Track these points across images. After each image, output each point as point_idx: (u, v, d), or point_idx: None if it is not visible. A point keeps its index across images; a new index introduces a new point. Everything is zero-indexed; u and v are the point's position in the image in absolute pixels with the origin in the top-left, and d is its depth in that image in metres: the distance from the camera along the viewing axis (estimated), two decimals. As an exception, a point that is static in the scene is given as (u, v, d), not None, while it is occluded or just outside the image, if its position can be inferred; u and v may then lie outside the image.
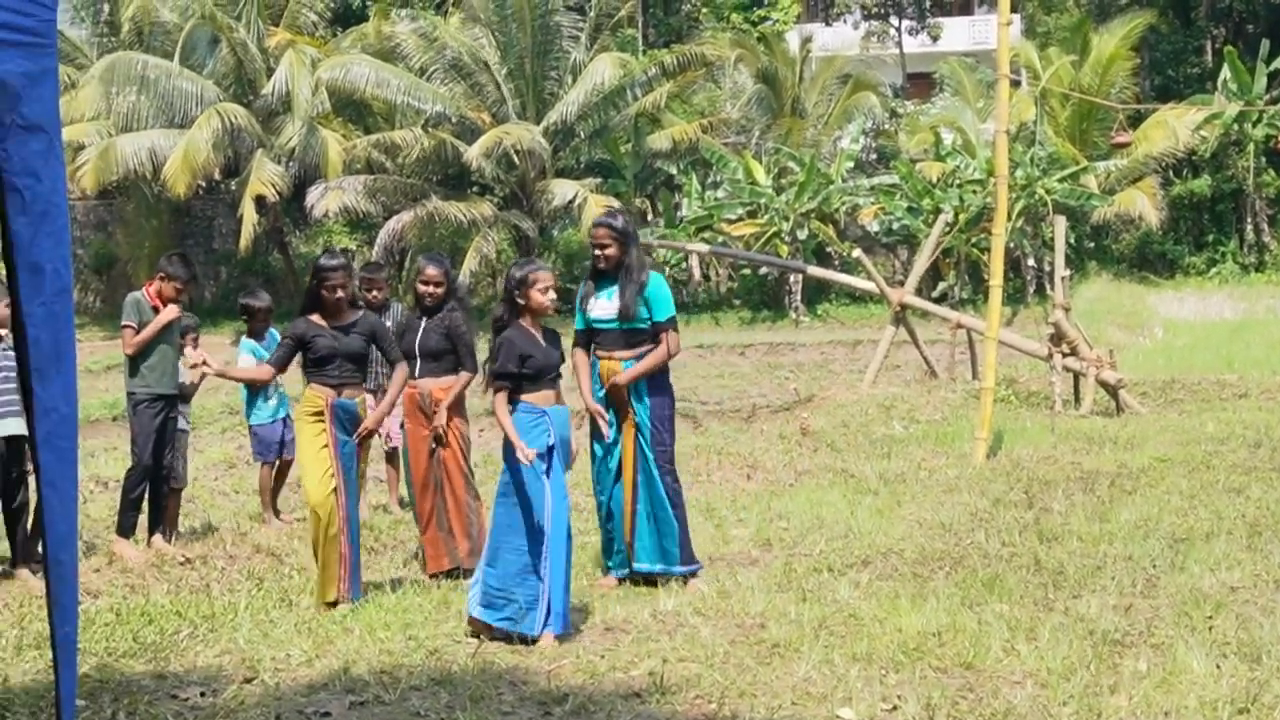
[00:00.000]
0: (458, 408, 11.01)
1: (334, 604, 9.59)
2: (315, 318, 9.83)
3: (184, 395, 12.73)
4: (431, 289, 11.06)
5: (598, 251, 10.07)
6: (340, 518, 9.61)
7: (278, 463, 13.71)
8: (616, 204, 39.95)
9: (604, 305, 9.97)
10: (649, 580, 10.00)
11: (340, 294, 9.73)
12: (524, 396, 8.75)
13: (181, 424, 12.89)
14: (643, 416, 9.89)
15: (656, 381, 9.95)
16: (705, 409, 23.14)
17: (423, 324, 11.05)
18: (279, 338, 13.83)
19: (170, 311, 11.81)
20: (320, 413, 9.65)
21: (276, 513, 13.70)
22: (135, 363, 11.82)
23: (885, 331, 23.33)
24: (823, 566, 10.30)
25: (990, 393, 16.29)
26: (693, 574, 10.01)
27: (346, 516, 9.64)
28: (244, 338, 13.77)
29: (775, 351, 35.35)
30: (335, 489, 9.59)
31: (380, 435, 13.99)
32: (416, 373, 10.95)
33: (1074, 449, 15.89)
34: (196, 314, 14.02)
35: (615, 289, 9.95)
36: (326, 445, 9.64)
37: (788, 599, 9.24)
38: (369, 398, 13.92)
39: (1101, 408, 19.51)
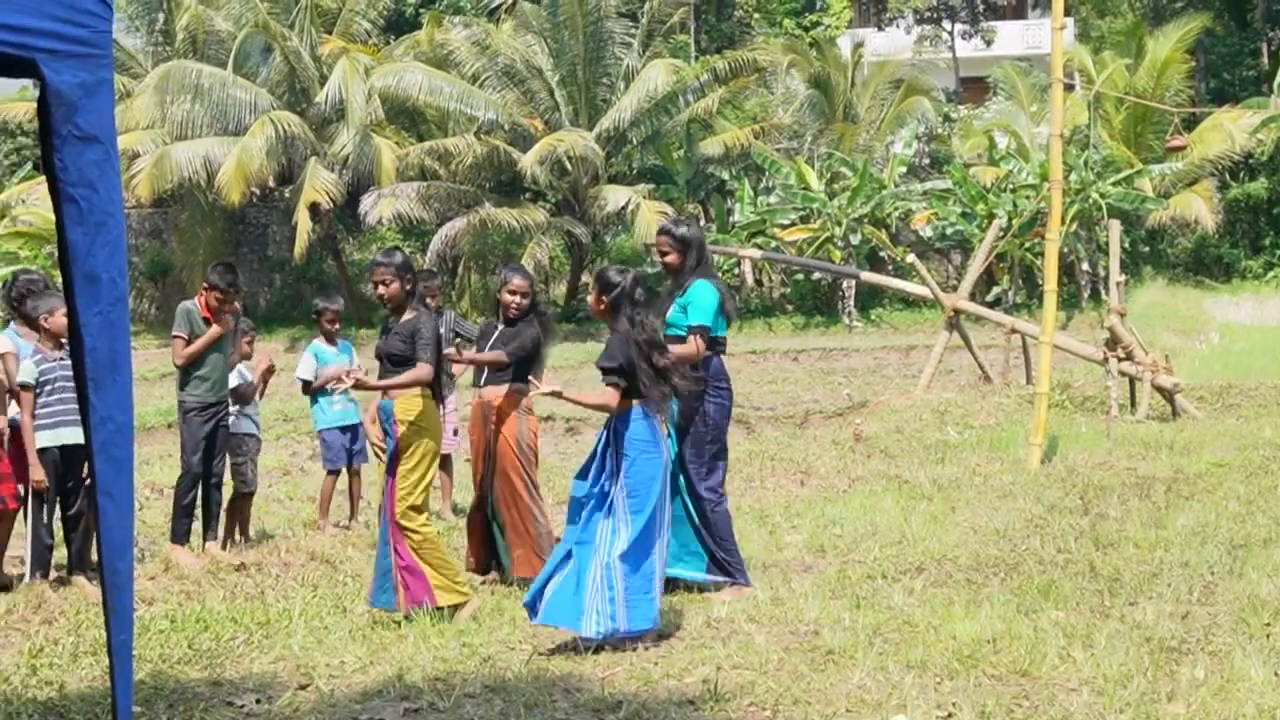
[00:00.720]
0: (518, 407, 10.98)
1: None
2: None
3: (243, 397, 12.82)
4: (518, 299, 11.00)
5: (659, 259, 10.30)
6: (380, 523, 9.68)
7: (344, 471, 13.80)
8: (670, 210, 39.97)
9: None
10: (701, 586, 9.98)
11: (380, 290, 9.69)
12: None
13: (249, 427, 13.04)
14: (670, 428, 9.91)
15: (694, 394, 9.92)
16: (759, 414, 23.13)
17: (498, 332, 11.05)
18: (349, 345, 13.98)
19: (216, 330, 11.92)
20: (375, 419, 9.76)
21: (352, 517, 13.83)
22: (185, 372, 11.94)
23: (939, 337, 23.26)
24: (877, 573, 10.26)
25: (1045, 398, 16.20)
26: (736, 583, 10.00)
27: (381, 522, 9.67)
28: (315, 340, 13.88)
29: (828, 357, 35.33)
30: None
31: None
32: (483, 380, 11.00)
33: (1129, 454, 15.79)
34: (251, 322, 14.07)
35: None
36: (384, 450, 9.71)
37: (842, 606, 9.21)
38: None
39: (1157, 413, 19.39)
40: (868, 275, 29.20)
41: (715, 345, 10.07)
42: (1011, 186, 41.31)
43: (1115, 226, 20.98)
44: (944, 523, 12.23)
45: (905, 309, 42.68)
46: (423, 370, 9.51)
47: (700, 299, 9.96)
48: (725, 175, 45.86)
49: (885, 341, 37.52)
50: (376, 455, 9.95)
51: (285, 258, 45.78)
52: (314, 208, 41.32)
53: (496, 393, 10.82)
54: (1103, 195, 39.84)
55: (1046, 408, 16.21)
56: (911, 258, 24.69)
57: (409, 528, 9.47)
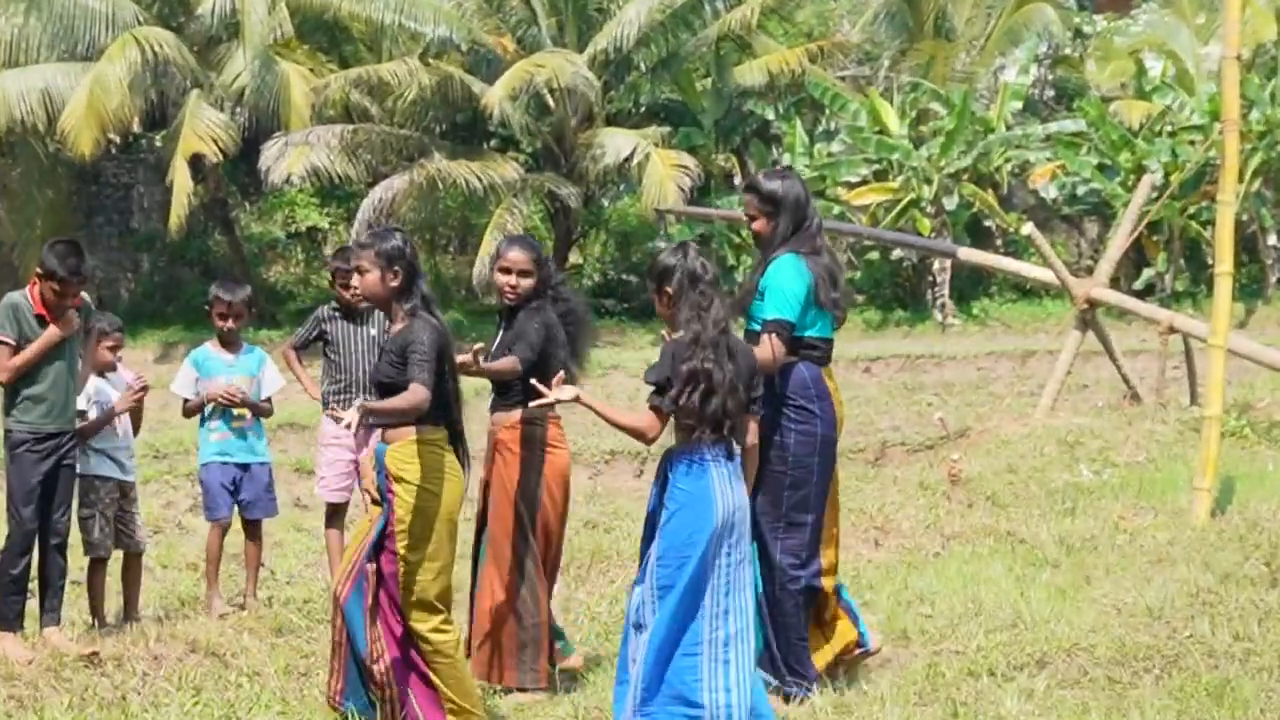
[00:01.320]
0: (527, 445, 10.85)
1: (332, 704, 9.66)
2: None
3: (85, 433, 12.79)
4: (514, 279, 10.86)
5: (750, 225, 10.31)
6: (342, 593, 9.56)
7: (234, 523, 13.80)
8: (691, 163, 39.90)
9: None
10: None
11: (353, 280, 9.54)
12: None
13: (105, 468, 12.93)
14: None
15: (768, 417, 9.88)
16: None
17: (500, 335, 10.95)
18: (264, 356, 13.95)
19: (55, 332, 11.80)
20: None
21: (250, 592, 13.83)
22: (14, 391, 11.83)
23: (1068, 338, 23.24)
24: (981, 669, 10.26)
25: (1216, 423, 16.16)
26: (788, 694, 9.96)
27: (350, 607, 9.57)
28: (204, 345, 13.84)
29: (913, 366, 35.33)
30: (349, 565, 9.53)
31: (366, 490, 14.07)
32: (490, 404, 10.93)
33: (1335, 502, 15.78)
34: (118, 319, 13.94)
35: None
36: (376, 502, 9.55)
37: (933, 715, 9.21)
38: None
39: (1374, 444, 19.40)
40: (968, 253, 29.15)
41: (801, 348, 10.02)
42: (1169, 129, 41.30)
43: (1314, 184, 20.99)
44: (1075, 599, 12.23)
45: (1020, 300, 42.72)
46: (417, 395, 9.14)
47: (779, 281, 9.88)
48: (769, 114, 45.84)
49: (992, 345, 37.53)
50: (365, 507, 9.83)
51: (157, 231, 45.76)
52: (196, 161, 41.27)
53: (503, 421, 10.78)
54: (1297, 141, 39.88)
55: (1218, 437, 16.18)
56: (1029, 228, 24.67)
57: (420, 633, 9.31)
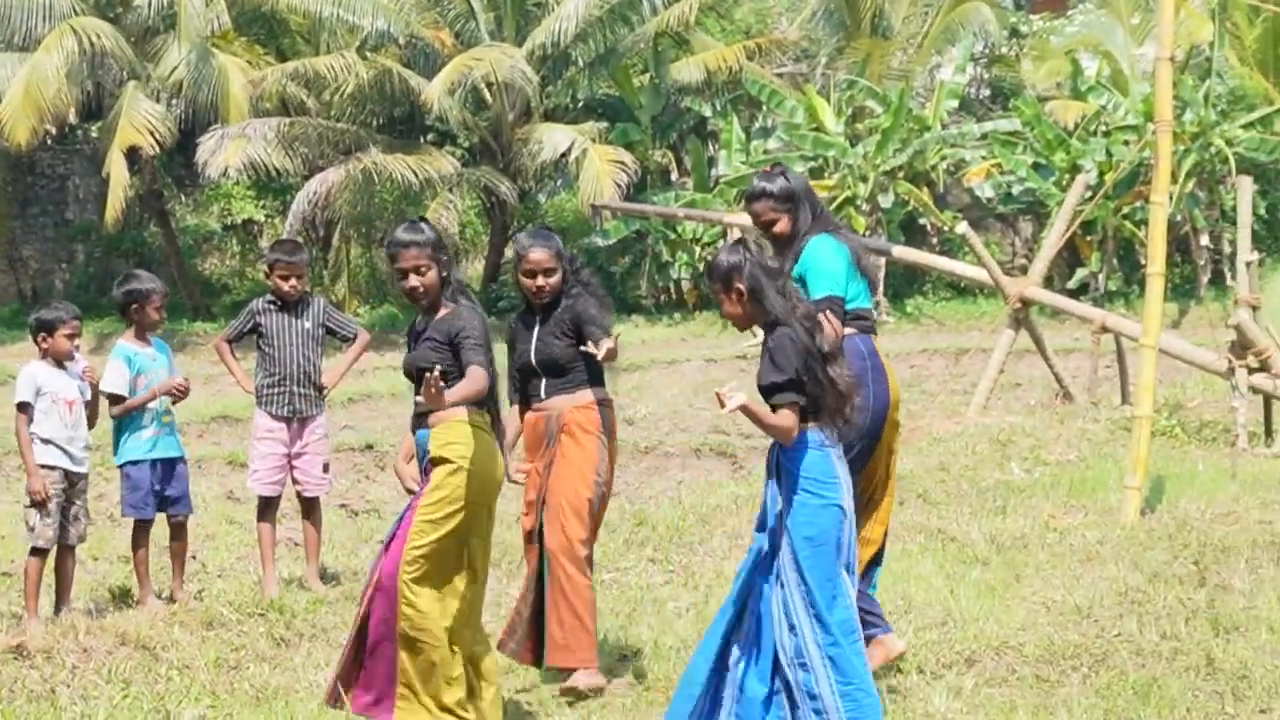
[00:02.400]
0: (600, 427, 10.79)
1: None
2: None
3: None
4: (541, 280, 10.77)
5: (768, 232, 10.18)
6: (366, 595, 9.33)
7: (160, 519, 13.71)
8: (628, 159, 39.77)
9: None
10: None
11: (414, 281, 9.38)
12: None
13: (55, 459, 12.82)
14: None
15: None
16: (749, 444, 23.09)
17: (536, 330, 10.88)
18: (167, 347, 13.86)
19: None
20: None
21: (178, 584, 13.72)
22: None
23: (1001, 337, 23.28)
24: (911, 666, 10.26)
25: (1147, 423, 16.20)
26: None
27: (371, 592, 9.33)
28: (120, 340, 13.71)
29: (847, 364, 35.24)
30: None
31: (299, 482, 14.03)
32: (542, 391, 10.87)
33: (1263, 502, 15.80)
34: (45, 309, 13.73)
35: None
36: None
37: (861, 711, 9.20)
38: None
39: (1303, 444, 19.46)
40: (902, 251, 29.16)
41: (852, 320, 9.99)
42: (1104, 129, 41.36)
43: (1246, 185, 20.99)
44: (1004, 596, 12.25)
45: (954, 298, 42.72)
46: (480, 380, 9.08)
47: (821, 260, 9.83)
48: (706, 111, 45.75)
49: (925, 343, 37.49)
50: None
51: (92, 222, 45.55)
52: (133, 153, 41.08)
53: (569, 403, 10.74)
54: (1230, 142, 39.89)
55: (1149, 436, 16.21)
56: (963, 227, 24.69)
57: (409, 601, 9.05)
